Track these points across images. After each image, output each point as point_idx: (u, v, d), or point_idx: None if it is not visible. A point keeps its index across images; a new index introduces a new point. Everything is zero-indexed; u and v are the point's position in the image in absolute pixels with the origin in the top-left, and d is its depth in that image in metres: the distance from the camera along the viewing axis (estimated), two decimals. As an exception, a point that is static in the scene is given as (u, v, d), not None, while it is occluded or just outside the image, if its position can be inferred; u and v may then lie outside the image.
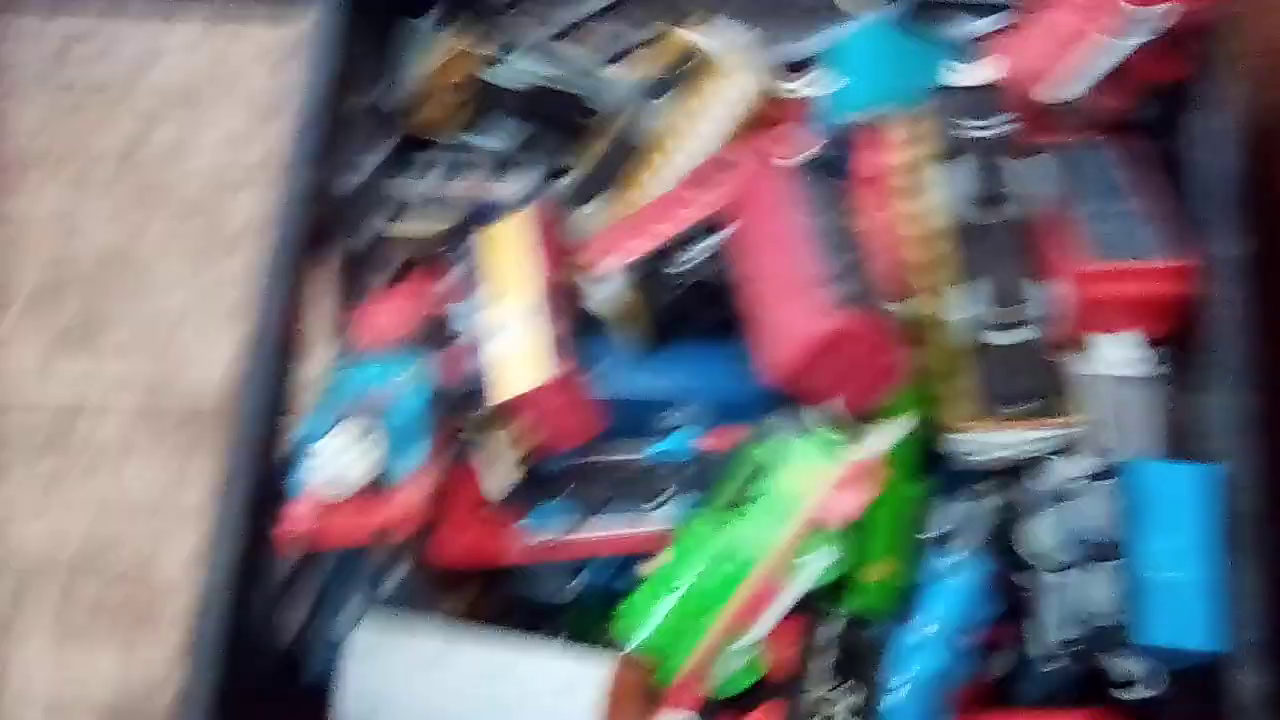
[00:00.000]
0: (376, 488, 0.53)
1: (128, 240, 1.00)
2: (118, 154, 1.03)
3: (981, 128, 0.60)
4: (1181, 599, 0.52)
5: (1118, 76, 0.62)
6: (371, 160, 0.69)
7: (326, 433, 0.54)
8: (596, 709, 0.51)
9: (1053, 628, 0.55)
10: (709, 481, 0.60)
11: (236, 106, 1.04)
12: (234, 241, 0.99)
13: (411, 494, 0.54)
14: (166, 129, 1.04)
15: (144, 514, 0.91)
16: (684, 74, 0.67)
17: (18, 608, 0.88)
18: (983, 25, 0.68)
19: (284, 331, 0.59)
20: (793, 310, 0.56)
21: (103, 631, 0.87)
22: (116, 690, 0.84)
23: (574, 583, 0.63)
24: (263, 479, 0.57)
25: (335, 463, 0.52)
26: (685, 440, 0.62)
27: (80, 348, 0.97)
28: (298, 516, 0.53)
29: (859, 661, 0.57)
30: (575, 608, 0.64)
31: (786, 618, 0.56)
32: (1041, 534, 0.57)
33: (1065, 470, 0.57)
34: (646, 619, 0.56)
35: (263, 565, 0.57)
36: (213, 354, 0.95)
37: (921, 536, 0.59)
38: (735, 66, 0.67)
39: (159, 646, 0.86)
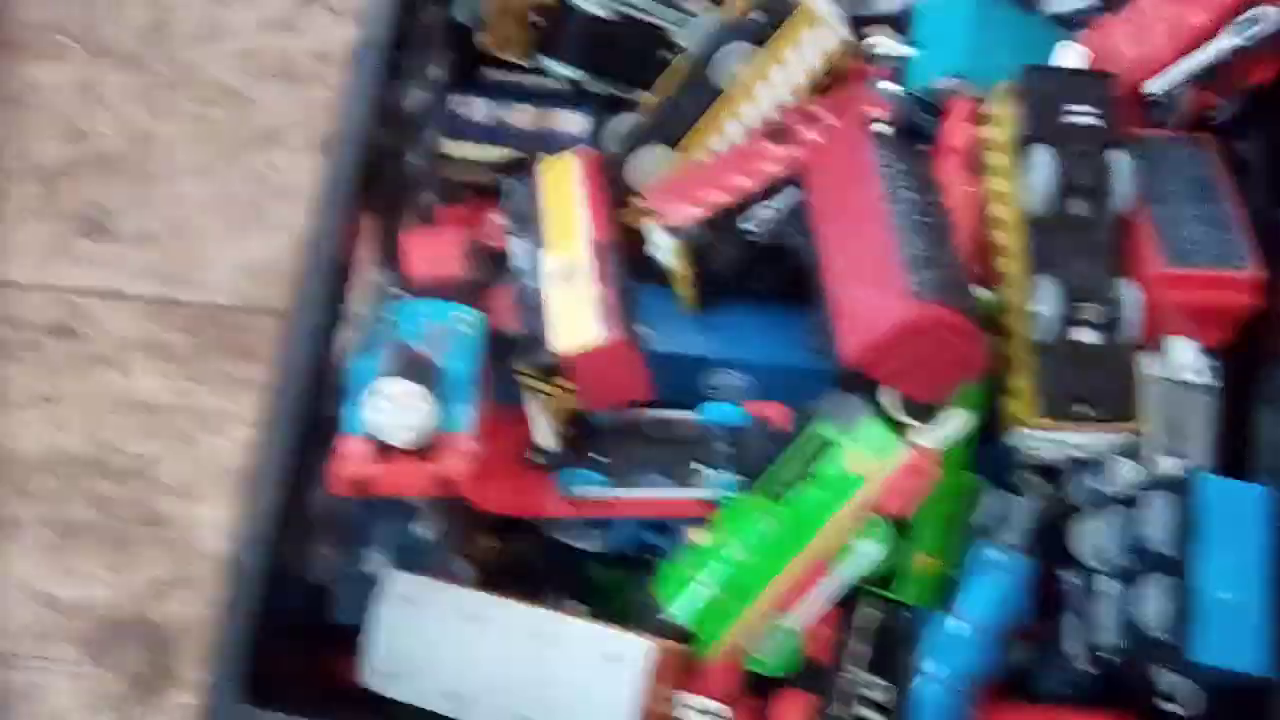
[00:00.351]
0: (430, 439, 0.52)
1: (151, 121, 0.97)
2: (147, 27, 1.00)
3: (1077, 113, 0.58)
4: (1235, 620, 0.52)
5: (1217, 74, 0.61)
6: (434, 76, 0.67)
7: (383, 372, 0.53)
8: (641, 682, 0.51)
9: (1103, 632, 0.56)
10: (755, 452, 0.59)
11: (250, 16, 1.00)
12: (263, 135, 0.96)
13: (467, 445, 0.53)
14: (180, 29, 1.00)
15: (149, 413, 0.90)
16: (769, 18, 0.65)
17: (17, 500, 0.87)
18: (1086, 3, 0.66)
19: (341, 252, 0.58)
20: (875, 293, 0.55)
21: (101, 534, 0.86)
22: (112, 598, 0.84)
23: (605, 537, 0.63)
24: (311, 409, 0.56)
25: (394, 408, 0.51)
26: (736, 407, 0.62)
27: (96, 231, 0.94)
28: (351, 459, 0.52)
29: (896, 650, 0.58)
30: (603, 558, 0.64)
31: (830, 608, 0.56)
32: (1098, 536, 0.57)
33: (1129, 475, 0.57)
34: (689, 588, 0.56)
35: (304, 498, 0.57)
36: (232, 251, 0.93)
37: (969, 528, 0.59)
38: (823, 16, 0.65)
39: (157, 556, 0.85)
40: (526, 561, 0.64)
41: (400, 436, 0.51)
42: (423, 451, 0.52)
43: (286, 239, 0.90)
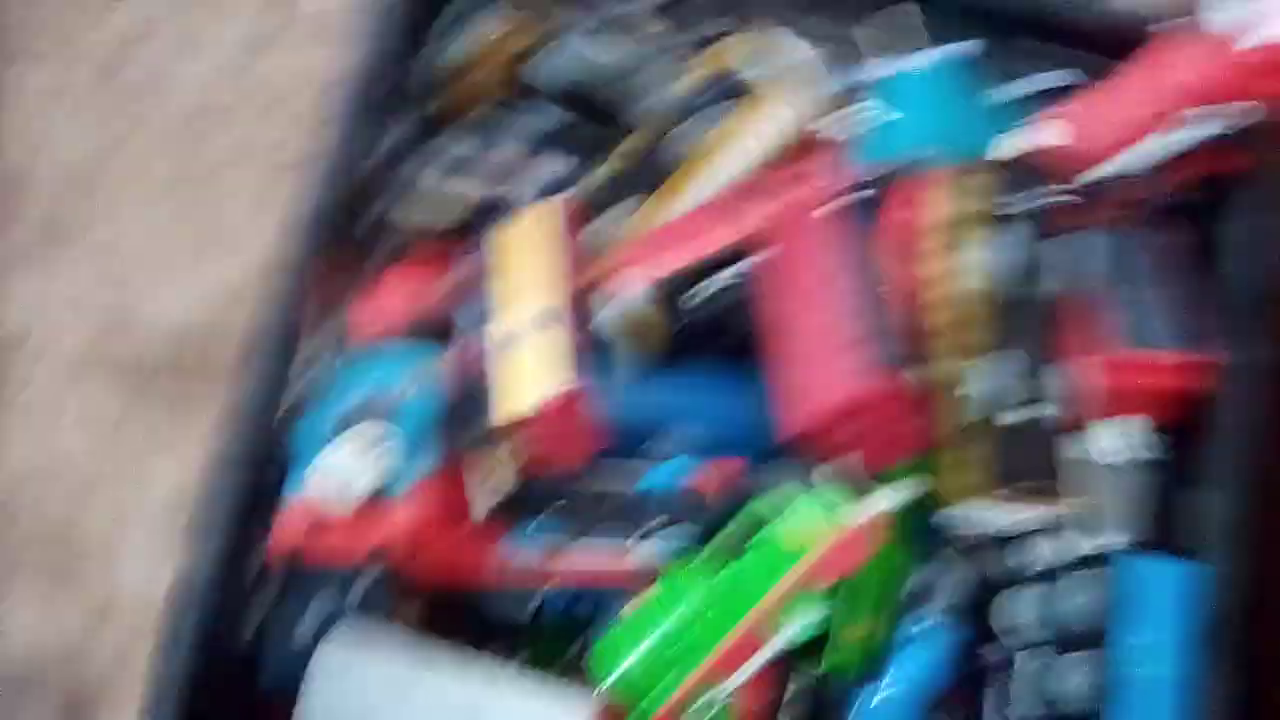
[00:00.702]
0: (375, 501, 0.54)
1: (101, 153, 0.97)
2: (105, 60, 1.01)
3: (1028, 197, 0.61)
4: (1153, 696, 0.55)
5: (1175, 164, 0.63)
6: (395, 139, 0.69)
7: (330, 436, 0.54)
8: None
9: (1021, 706, 0.58)
10: (697, 519, 0.61)
11: (230, 33, 1.01)
12: (205, 177, 0.96)
13: (412, 510, 0.55)
14: (159, 43, 1.01)
15: (78, 460, 0.88)
16: (725, 93, 0.68)
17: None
18: (1045, 84, 0.68)
19: (293, 315, 0.60)
20: (822, 364, 0.57)
21: (22, 582, 0.84)
22: (31, 647, 0.82)
23: (534, 603, 0.65)
24: (257, 470, 0.57)
25: (338, 475, 0.53)
26: (679, 473, 0.63)
27: (35, 265, 0.94)
28: (290, 529, 0.53)
29: (823, 716, 0.60)
30: (532, 628, 0.65)
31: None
32: (1021, 610, 0.59)
33: (1054, 551, 0.59)
34: (624, 658, 0.58)
35: (241, 563, 0.58)
36: (171, 293, 0.92)
37: (900, 600, 0.61)
38: (776, 96, 0.68)
39: (79, 605, 0.83)
40: (464, 626, 0.65)
41: (336, 504, 0.52)
42: (362, 518, 0.53)
43: (227, 279, 0.90)
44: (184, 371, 0.90)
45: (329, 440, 0.54)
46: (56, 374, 0.91)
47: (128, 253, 0.94)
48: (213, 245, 0.93)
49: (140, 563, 0.83)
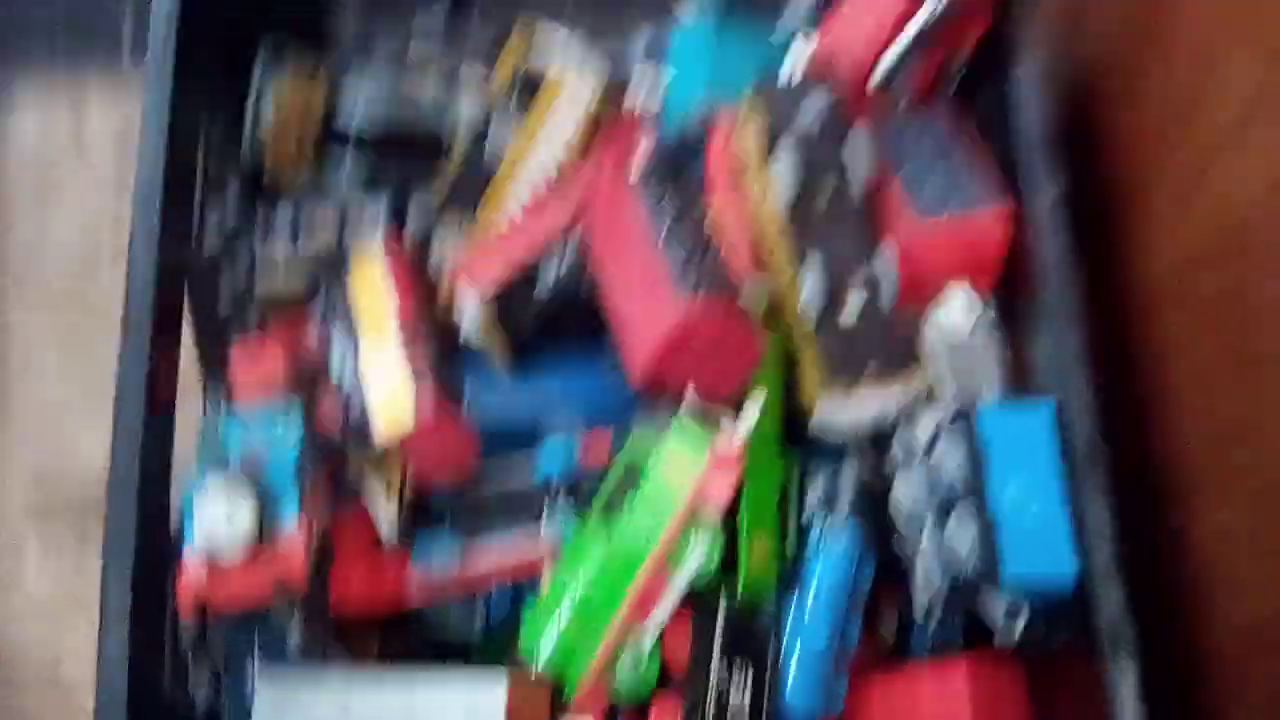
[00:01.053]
0: (261, 544, 0.57)
1: (2, 333, 1.02)
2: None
3: (810, 109, 0.64)
4: (1037, 530, 0.57)
5: (927, 44, 0.67)
6: (223, 214, 0.72)
7: (204, 489, 0.57)
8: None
9: (929, 580, 0.60)
10: (590, 491, 0.64)
11: (90, 185, 1.06)
12: (108, 323, 1.00)
13: (295, 545, 0.57)
14: (23, 215, 1.06)
15: (46, 612, 0.93)
16: (522, 92, 0.72)
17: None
18: (800, 10, 0.73)
19: (150, 400, 0.62)
20: (644, 309, 0.60)
21: None
22: None
23: (479, 617, 0.67)
24: (149, 546, 0.60)
25: (215, 524, 0.55)
26: (562, 455, 0.66)
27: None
28: (189, 581, 0.56)
29: (750, 641, 0.61)
30: (484, 641, 0.68)
31: (677, 611, 0.61)
32: (908, 493, 0.62)
33: (919, 427, 0.62)
34: (544, 635, 0.60)
35: (161, 633, 0.60)
36: (99, 439, 0.96)
37: (795, 509, 0.64)
38: (570, 79, 0.72)
39: None
40: (408, 652, 0.68)
41: (229, 547, 0.55)
42: (256, 559, 0.56)
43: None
44: None
45: (199, 505, 0.56)
46: (6, 539, 0.95)
47: (47, 416, 0.99)
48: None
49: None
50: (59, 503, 0.96)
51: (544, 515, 0.65)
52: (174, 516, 0.61)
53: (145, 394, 0.61)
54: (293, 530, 0.57)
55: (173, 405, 0.64)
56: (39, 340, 1.01)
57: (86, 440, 0.97)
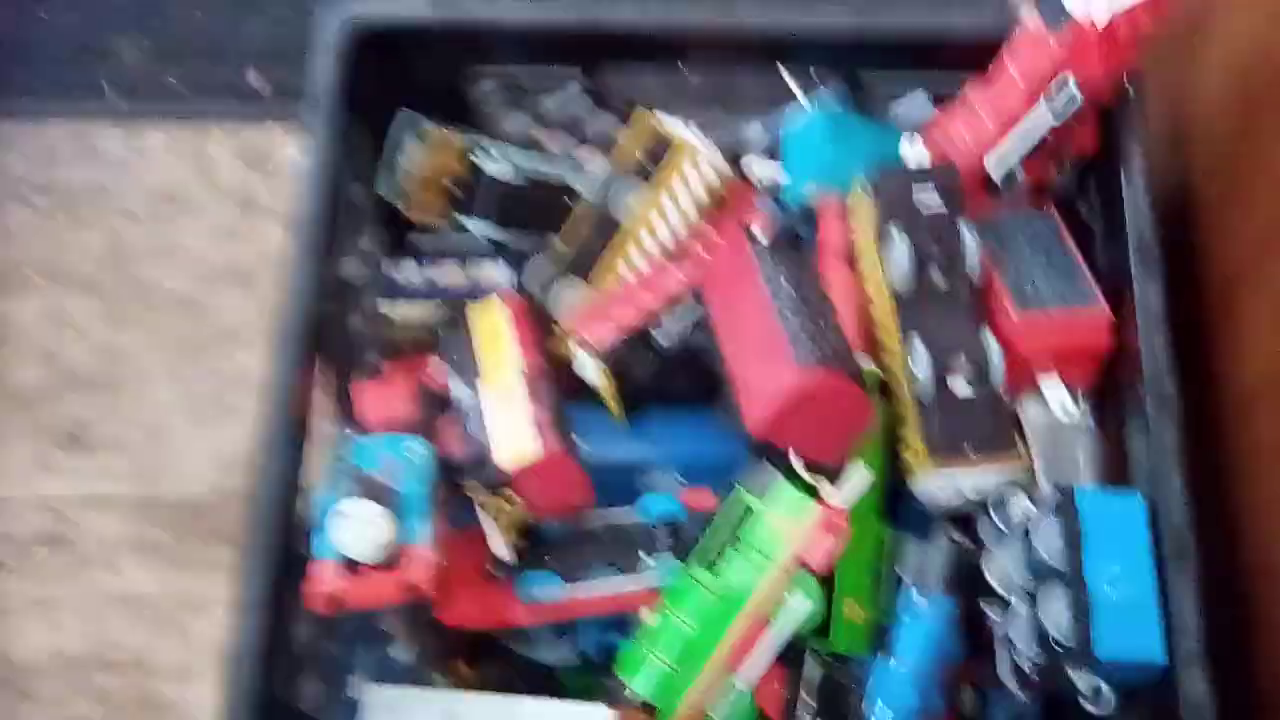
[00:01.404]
0: (393, 552, 0.61)
1: (114, 348, 1.08)
2: (105, 255, 1.12)
3: (923, 198, 0.70)
4: (1128, 615, 0.61)
5: (1044, 148, 0.73)
6: (366, 247, 0.78)
7: (343, 496, 0.62)
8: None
9: (1024, 652, 0.63)
10: (691, 537, 0.68)
11: (210, 214, 1.13)
12: (221, 338, 1.07)
13: (426, 556, 0.62)
14: (151, 229, 1.13)
15: (140, 608, 0.98)
16: (654, 159, 0.77)
17: (22, 705, 0.94)
18: (919, 106, 0.78)
19: (296, 414, 0.68)
20: (761, 372, 0.65)
21: None
22: None
23: (571, 646, 0.71)
24: (282, 551, 0.64)
25: (357, 526, 0.60)
26: (665, 503, 0.70)
27: (75, 445, 1.04)
28: (323, 579, 0.61)
29: (840, 701, 0.65)
30: (571, 673, 0.72)
31: (774, 665, 0.64)
32: (1002, 569, 0.65)
33: (1014, 507, 0.66)
34: (643, 667, 0.64)
35: (286, 631, 0.65)
36: (203, 448, 1.03)
37: (891, 577, 0.68)
38: (699, 151, 0.77)
39: None
40: (501, 681, 0.72)
41: (365, 551, 0.60)
42: (387, 564, 0.61)
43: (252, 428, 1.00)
44: (215, 536, 1.01)
45: (340, 518, 0.61)
46: (107, 535, 1.00)
47: (156, 422, 1.05)
48: (219, 419, 1.04)
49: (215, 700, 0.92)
50: (158, 508, 1.01)
51: (645, 557, 0.69)
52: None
53: (288, 406, 0.67)
54: (423, 543, 0.62)
55: (309, 420, 0.69)
56: (151, 353, 1.07)
57: (188, 448, 1.03)
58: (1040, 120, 0.71)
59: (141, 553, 1.00)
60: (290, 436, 0.67)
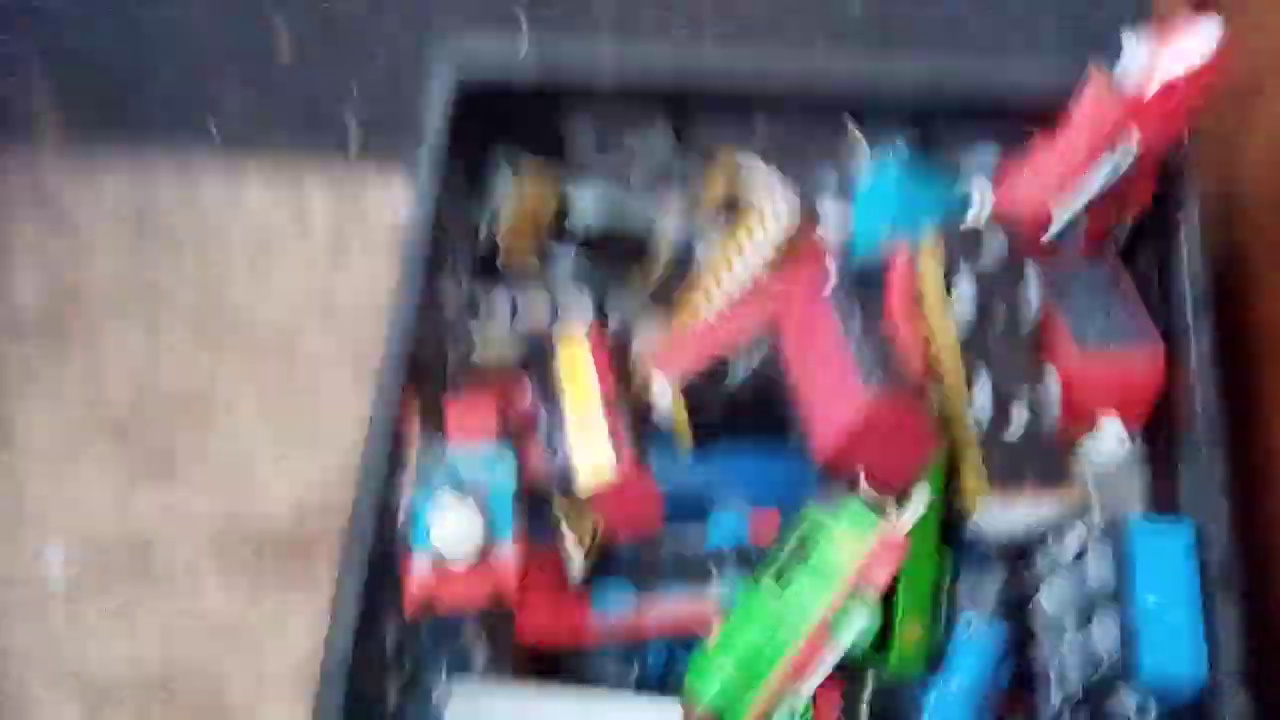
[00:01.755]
0: (481, 559, 0.68)
1: (205, 377, 1.16)
2: (198, 295, 1.20)
3: (986, 251, 0.76)
4: (1174, 637, 0.65)
5: (1098, 202, 0.79)
6: (462, 276, 0.86)
7: (439, 498, 0.68)
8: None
9: (1072, 675, 0.68)
10: (756, 561, 0.73)
11: (304, 258, 1.22)
12: (305, 379, 1.15)
13: (511, 564, 0.68)
14: (243, 277, 1.22)
15: (217, 638, 1.03)
16: (724, 210, 0.85)
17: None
18: (987, 156, 0.85)
19: (392, 437, 0.75)
20: (831, 398, 0.71)
21: None
22: None
23: (637, 664, 0.77)
24: (377, 562, 0.71)
25: (449, 532, 0.67)
26: (733, 527, 0.76)
27: (159, 479, 1.11)
28: (419, 580, 0.67)
29: (893, 714, 0.70)
30: (636, 688, 0.77)
31: (830, 676, 0.69)
32: (1054, 597, 0.70)
33: (1068, 540, 0.71)
34: (710, 677, 0.69)
35: (377, 631, 0.71)
36: (282, 485, 1.09)
37: (946, 602, 0.73)
38: (769, 204, 0.84)
39: None
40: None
41: (457, 548, 0.66)
42: (475, 565, 0.67)
43: (337, 460, 1.06)
44: (297, 562, 1.07)
45: (436, 512, 0.68)
46: (188, 565, 1.07)
47: (237, 458, 1.12)
48: (305, 450, 1.11)
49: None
50: (241, 537, 1.08)
51: (713, 578, 0.75)
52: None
53: (388, 424, 0.74)
54: (507, 545, 0.69)
55: (406, 440, 0.77)
56: (242, 388, 1.15)
57: (273, 481, 1.10)
58: (1102, 173, 0.77)
59: (223, 574, 1.07)
60: (388, 453, 0.74)
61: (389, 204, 1.20)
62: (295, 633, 1.03)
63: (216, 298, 1.20)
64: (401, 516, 0.72)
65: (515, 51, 0.86)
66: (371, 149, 1.24)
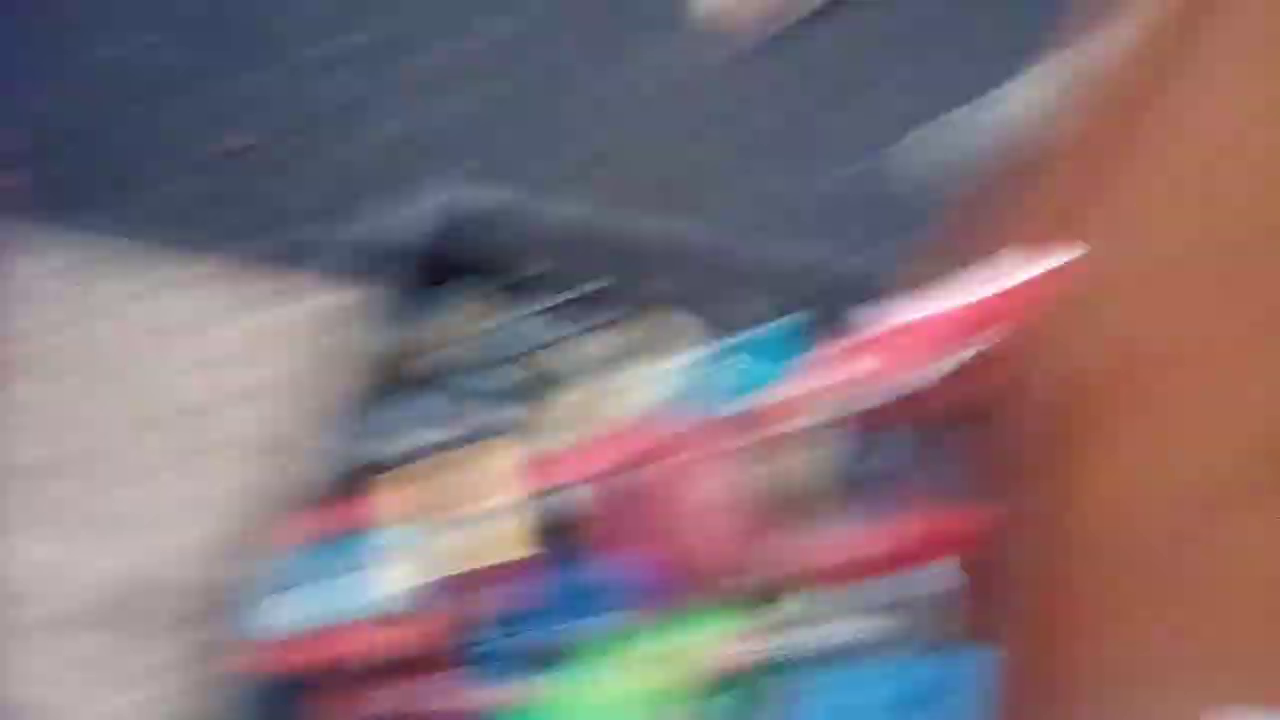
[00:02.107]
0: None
1: (128, 431, 1.26)
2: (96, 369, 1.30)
3: (840, 409, 0.90)
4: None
5: (950, 379, 0.93)
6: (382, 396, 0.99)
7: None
8: None
9: None
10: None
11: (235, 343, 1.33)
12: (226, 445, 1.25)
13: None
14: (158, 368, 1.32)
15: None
16: (630, 353, 1.00)
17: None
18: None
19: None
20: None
21: None
22: None
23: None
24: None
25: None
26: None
27: (63, 522, 1.20)
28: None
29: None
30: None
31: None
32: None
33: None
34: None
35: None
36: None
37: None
38: (660, 360, 1.00)
39: None
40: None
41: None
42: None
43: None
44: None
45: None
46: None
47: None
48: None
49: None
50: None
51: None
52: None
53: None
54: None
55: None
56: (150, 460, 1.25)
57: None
58: (960, 356, 0.92)
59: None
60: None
61: (318, 309, 1.32)
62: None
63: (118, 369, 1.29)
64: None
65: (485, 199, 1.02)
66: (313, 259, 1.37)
